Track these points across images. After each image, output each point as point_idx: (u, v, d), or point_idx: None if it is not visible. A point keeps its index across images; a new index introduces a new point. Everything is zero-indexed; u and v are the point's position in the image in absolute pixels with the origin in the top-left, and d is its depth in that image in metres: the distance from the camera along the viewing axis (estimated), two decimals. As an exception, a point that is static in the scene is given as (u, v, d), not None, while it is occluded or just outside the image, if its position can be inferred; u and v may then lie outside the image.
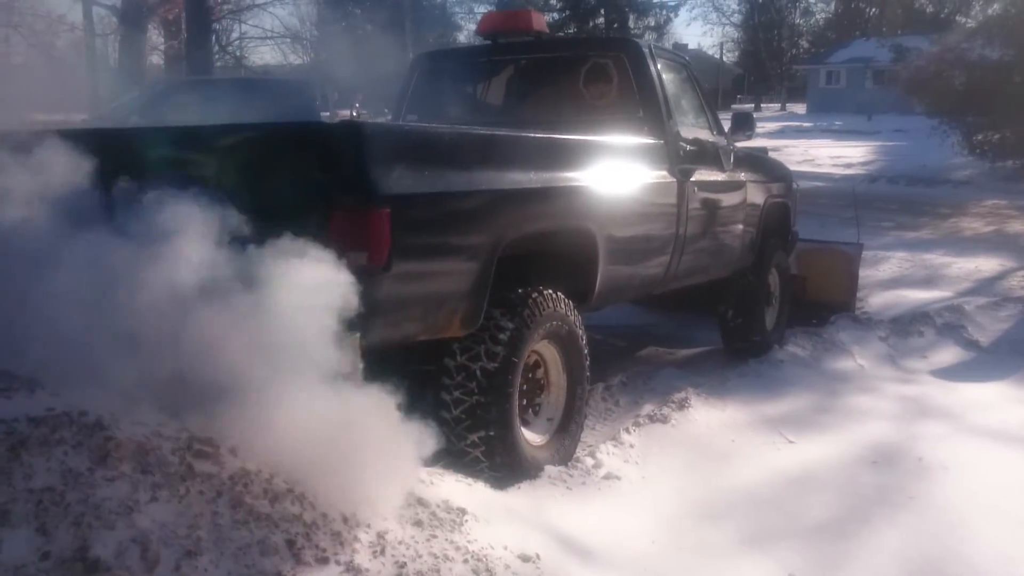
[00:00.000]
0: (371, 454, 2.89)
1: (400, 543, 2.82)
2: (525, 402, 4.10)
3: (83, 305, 2.79)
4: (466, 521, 3.08)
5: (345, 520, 2.76)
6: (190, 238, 2.90)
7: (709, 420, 5.09)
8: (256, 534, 2.54)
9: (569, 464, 4.18)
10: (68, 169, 3.23)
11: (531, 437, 4.10)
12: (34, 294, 2.84)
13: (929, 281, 9.64)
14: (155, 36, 21.91)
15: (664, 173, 5.16)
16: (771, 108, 51.72)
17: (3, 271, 2.97)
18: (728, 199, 6.05)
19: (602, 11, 45.14)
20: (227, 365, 2.78)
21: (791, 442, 4.84)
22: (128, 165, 3.47)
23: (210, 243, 2.91)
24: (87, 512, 2.36)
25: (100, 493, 2.41)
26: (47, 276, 2.87)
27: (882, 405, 5.53)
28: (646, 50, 5.49)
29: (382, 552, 2.75)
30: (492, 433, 3.72)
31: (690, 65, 6.19)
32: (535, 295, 3.96)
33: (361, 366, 3.05)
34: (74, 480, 2.43)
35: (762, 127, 31.18)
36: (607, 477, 4.15)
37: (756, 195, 6.49)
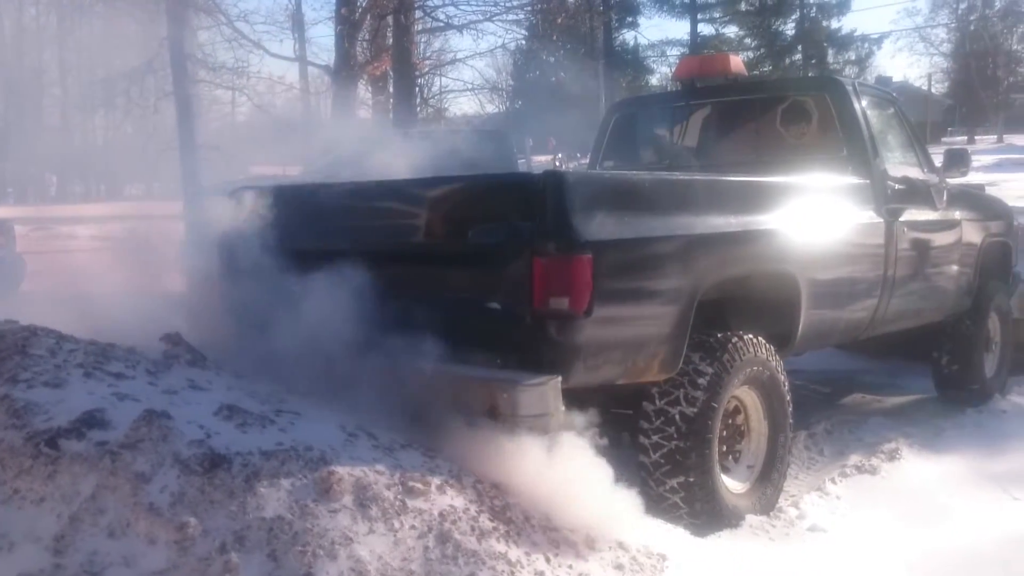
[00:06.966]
0: (573, 495, 2.94)
1: (601, 586, 2.85)
2: (725, 448, 4.03)
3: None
4: (667, 568, 3.07)
5: (547, 560, 2.82)
6: None
7: (923, 473, 4.81)
8: (464, 570, 2.64)
9: (771, 514, 4.07)
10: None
11: (731, 484, 4.02)
12: None
13: None
14: (363, 92, 23.26)
15: (871, 213, 4.99)
16: (986, 140, 48.35)
17: None
18: (941, 239, 5.76)
19: (799, 47, 43.94)
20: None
21: (1016, 499, 4.49)
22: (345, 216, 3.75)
23: None
24: (311, 541, 2.53)
25: (323, 524, 2.59)
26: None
27: (1123, 460, 5.03)
28: (850, 87, 5.36)
29: (584, 593, 2.79)
30: (691, 479, 3.68)
31: (897, 101, 5.98)
32: (735, 339, 3.90)
33: (562, 409, 3.12)
34: (301, 511, 2.61)
35: (977, 160, 29.31)
36: (812, 529, 4.01)
37: (972, 234, 6.13)
